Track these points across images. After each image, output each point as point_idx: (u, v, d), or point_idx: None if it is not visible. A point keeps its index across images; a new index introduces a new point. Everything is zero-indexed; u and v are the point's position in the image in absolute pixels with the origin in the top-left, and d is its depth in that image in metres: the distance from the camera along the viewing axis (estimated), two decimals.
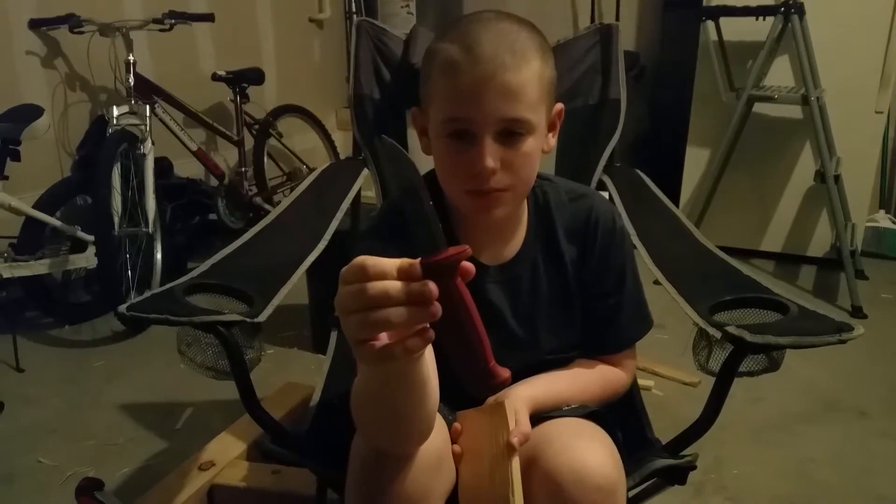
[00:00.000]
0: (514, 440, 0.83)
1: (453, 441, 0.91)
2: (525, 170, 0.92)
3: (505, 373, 0.68)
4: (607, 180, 1.50)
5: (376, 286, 0.58)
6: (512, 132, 0.88)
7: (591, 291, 1.04)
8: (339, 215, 1.39)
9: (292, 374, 2.07)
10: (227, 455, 1.62)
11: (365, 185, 1.56)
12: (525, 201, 1.02)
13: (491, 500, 0.83)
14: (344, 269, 0.61)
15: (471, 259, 0.96)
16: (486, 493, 0.84)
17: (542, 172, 1.04)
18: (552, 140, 0.98)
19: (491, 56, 0.85)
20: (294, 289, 1.16)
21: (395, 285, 0.58)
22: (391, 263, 0.59)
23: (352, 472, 0.86)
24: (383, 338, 0.61)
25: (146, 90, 2.77)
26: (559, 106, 0.97)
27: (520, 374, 0.99)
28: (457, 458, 0.91)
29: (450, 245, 0.61)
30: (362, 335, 0.61)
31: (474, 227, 1.00)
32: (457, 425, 0.93)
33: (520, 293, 1.02)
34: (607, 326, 1.05)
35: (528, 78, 0.87)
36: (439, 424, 0.88)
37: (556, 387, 1.00)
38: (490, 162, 0.87)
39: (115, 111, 2.55)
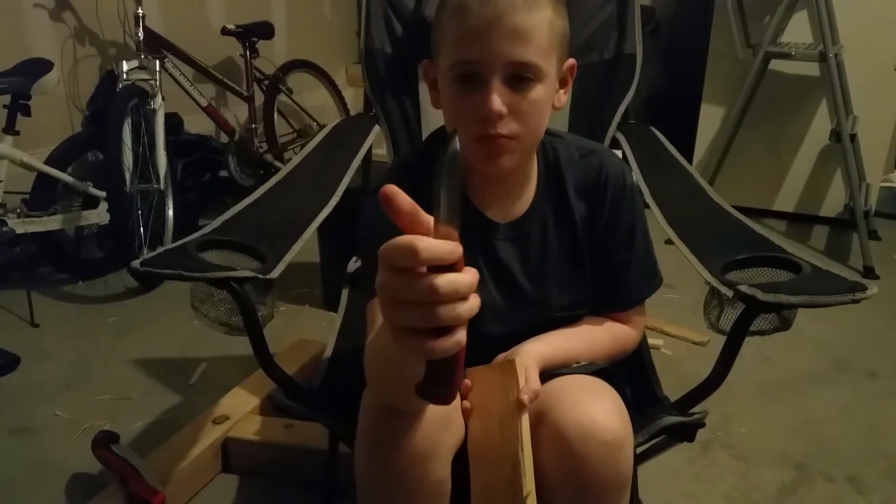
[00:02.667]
0: (524, 397, 0.84)
1: (463, 397, 0.92)
2: (533, 118, 0.90)
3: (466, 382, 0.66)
4: (621, 137, 1.49)
5: (446, 283, 0.51)
6: (521, 77, 0.87)
7: (601, 248, 1.03)
8: (351, 172, 1.39)
9: (304, 331, 2.09)
10: (240, 409, 1.65)
11: (376, 143, 1.55)
12: (535, 158, 1.02)
13: (500, 456, 0.84)
14: (388, 247, 0.53)
15: (481, 216, 0.95)
16: (496, 449, 0.85)
17: (553, 129, 1.04)
18: (563, 96, 0.97)
19: None
20: (305, 246, 1.16)
21: (463, 281, 0.52)
22: (444, 248, 0.51)
23: (361, 427, 0.87)
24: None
25: (156, 44, 2.75)
26: (571, 61, 0.96)
27: (530, 332, 0.99)
28: (466, 413, 0.92)
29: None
30: (422, 325, 0.54)
31: (484, 184, 0.99)
32: (467, 381, 0.93)
33: (529, 250, 1.02)
34: (617, 283, 1.05)
35: (539, 22, 0.86)
36: None
37: (566, 344, 1.00)
38: (497, 104, 0.86)
39: (125, 66, 2.53)
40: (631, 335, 1.08)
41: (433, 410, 0.85)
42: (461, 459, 0.91)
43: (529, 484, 0.80)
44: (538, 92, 0.89)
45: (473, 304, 0.53)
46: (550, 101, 0.93)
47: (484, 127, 0.88)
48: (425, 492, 0.88)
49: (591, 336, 1.04)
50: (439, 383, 0.59)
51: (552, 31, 0.88)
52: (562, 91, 0.96)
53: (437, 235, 0.52)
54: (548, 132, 1.01)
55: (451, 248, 0.52)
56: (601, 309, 1.07)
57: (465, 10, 0.86)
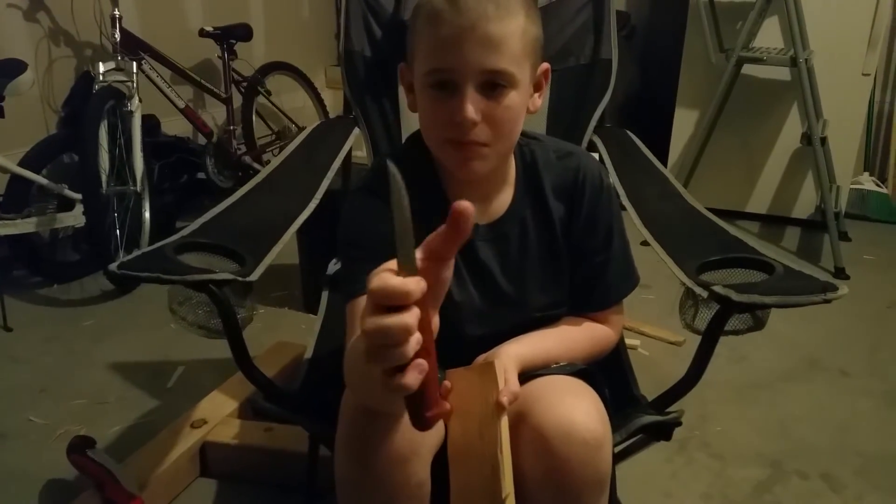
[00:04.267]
0: (504, 399, 0.84)
1: (443, 398, 0.93)
2: (507, 125, 0.91)
3: (445, 406, 0.67)
4: (597, 140, 1.50)
5: (374, 327, 0.57)
6: (494, 84, 0.88)
7: (579, 249, 1.05)
8: (331, 174, 1.39)
9: (283, 334, 2.08)
10: (219, 413, 1.64)
11: (356, 145, 1.55)
12: (512, 160, 1.03)
13: (479, 457, 0.85)
14: (380, 290, 0.56)
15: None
16: (475, 451, 0.86)
17: (530, 131, 1.05)
18: (538, 100, 0.98)
19: (473, 6, 0.86)
20: (284, 248, 1.16)
21: (394, 323, 0.56)
22: (396, 288, 0.56)
23: (341, 428, 0.88)
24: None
25: (133, 46, 2.72)
26: (545, 65, 0.97)
27: (509, 333, 1.00)
28: (446, 415, 0.92)
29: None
30: (396, 364, 0.58)
31: (462, 185, 1.00)
32: (446, 383, 0.94)
33: (509, 251, 1.03)
34: (595, 284, 1.06)
35: (512, 30, 0.87)
36: None
37: (545, 345, 1.01)
38: (470, 112, 0.87)
39: (102, 67, 2.51)
40: (609, 335, 1.09)
41: None
42: (440, 461, 0.91)
43: (508, 486, 0.80)
44: (511, 98, 0.90)
45: (412, 343, 0.57)
46: (524, 106, 0.94)
47: (457, 132, 0.89)
48: (405, 493, 0.88)
49: (570, 336, 1.05)
50: (413, 413, 0.64)
51: (525, 38, 0.89)
52: (536, 95, 0.97)
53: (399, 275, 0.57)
54: (525, 135, 1.02)
55: (403, 288, 0.56)
56: (579, 309, 1.08)
57: (439, 18, 0.87)
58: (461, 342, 0.94)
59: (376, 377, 0.59)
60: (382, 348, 0.57)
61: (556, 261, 1.05)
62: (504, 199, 1.03)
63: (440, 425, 0.92)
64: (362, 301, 0.74)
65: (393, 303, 0.56)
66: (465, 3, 0.86)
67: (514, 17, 0.88)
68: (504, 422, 0.84)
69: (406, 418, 0.84)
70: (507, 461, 0.82)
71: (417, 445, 0.87)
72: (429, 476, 0.91)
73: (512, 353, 0.95)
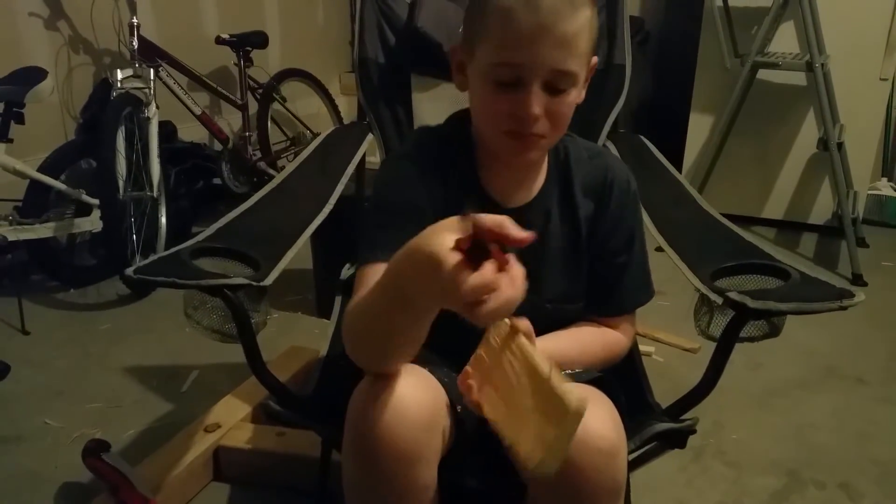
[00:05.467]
0: (511, 322, 0.83)
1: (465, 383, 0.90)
2: (564, 119, 0.95)
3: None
4: (611, 146, 1.50)
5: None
6: (559, 83, 0.91)
7: (601, 248, 1.06)
8: (344, 180, 1.39)
9: (297, 339, 2.09)
10: (232, 417, 1.64)
11: (369, 151, 1.55)
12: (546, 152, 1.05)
13: (517, 395, 0.80)
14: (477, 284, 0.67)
15: (487, 197, 1.02)
16: (510, 398, 0.81)
17: None
18: (583, 92, 1.00)
19: (550, 4, 0.87)
20: (298, 253, 1.17)
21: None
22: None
23: (347, 433, 0.88)
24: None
25: (150, 53, 2.75)
26: (594, 60, 0.99)
27: None
28: (469, 388, 0.89)
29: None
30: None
31: (497, 170, 1.02)
32: (468, 369, 0.92)
33: None
34: (612, 287, 1.06)
35: (582, 26, 0.89)
36: (433, 384, 0.91)
37: (558, 343, 1.01)
38: (536, 109, 0.90)
39: (119, 74, 2.53)
40: (622, 341, 1.09)
41: (417, 413, 0.85)
42: (447, 465, 0.91)
43: (545, 368, 0.77)
44: (572, 96, 0.93)
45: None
46: (578, 100, 0.97)
47: (519, 125, 0.92)
48: (411, 496, 0.88)
49: (584, 338, 1.05)
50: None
51: (591, 31, 0.92)
52: (584, 84, 0.99)
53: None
54: None
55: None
56: (594, 312, 1.08)
57: (512, 14, 0.87)
58: (472, 327, 0.94)
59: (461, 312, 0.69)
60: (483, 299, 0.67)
61: (576, 255, 1.06)
62: (533, 188, 1.05)
63: (445, 427, 0.91)
64: (377, 269, 0.87)
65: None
66: (542, 1, 0.87)
67: (584, 12, 0.90)
68: (522, 340, 0.81)
69: (413, 417, 0.84)
70: (536, 355, 0.79)
71: (422, 447, 0.87)
72: (435, 480, 0.91)
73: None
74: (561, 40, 0.87)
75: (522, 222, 1.02)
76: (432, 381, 0.91)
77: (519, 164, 1.00)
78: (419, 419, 0.85)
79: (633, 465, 1.15)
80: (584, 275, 1.07)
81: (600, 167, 1.06)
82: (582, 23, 0.89)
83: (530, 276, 1.04)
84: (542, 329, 0.94)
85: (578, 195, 1.05)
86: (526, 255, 1.04)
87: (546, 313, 1.04)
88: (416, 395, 0.86)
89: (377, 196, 1.02)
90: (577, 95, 0.95)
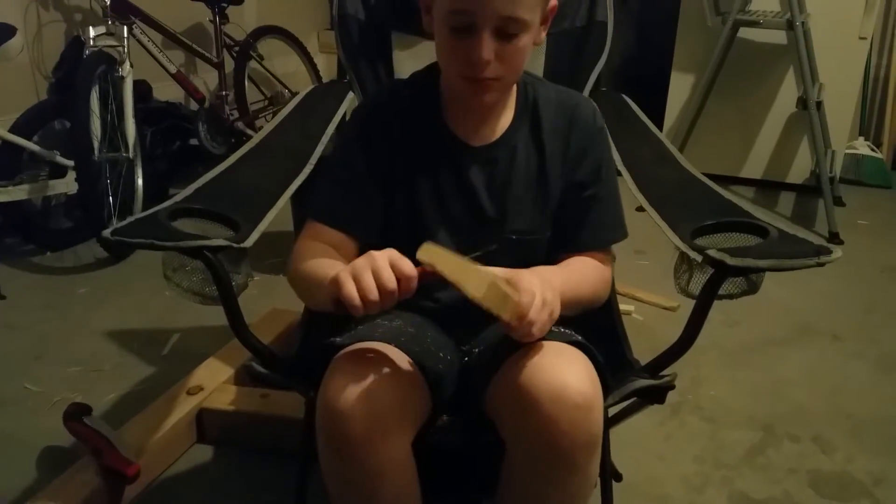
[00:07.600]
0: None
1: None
2: (517, 62, 0.99)
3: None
4: None
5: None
6: (509, 28, 0.94)
7: (571, 183, 1.08)
8: (325, 139, 1.37)
9: (278, 301, 2.08)
10: (215, 379, 1.64)
11: (350, 109, 1.54)
12: (514, 91, 1.08)
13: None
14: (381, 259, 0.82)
15: (454, 138, 1.06)
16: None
17: (534, 74, 1.14)
18: (543, 34, 1.03)
19: None
20: (279, 215, 1.15)
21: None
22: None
23: (318, 420, 0.91)
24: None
25: (123, 10, 2.68)
26: (553, 2, 1.01)
27: (491, 256, 0.95)
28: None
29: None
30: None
31: (463, 110, 1.07)
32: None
33: (496, 173, 1.07)
34: (583, 221, 1.08)
35: None
36: (402, 360, 0.93)
37: (549, 273, 1.00)
38: (486, 54, 0.93)
39: (92, 32, 2.47)
40: (606, 273, 1.11)
41: (384, 395, 0.87)
42: (430, 430, 0.92)
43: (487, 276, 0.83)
44: (523, 40, 0.96)
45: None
46: (532, 43, 0.99)
47: (473, 70, 0.96)
48: (388, 478, 0.90)
49: (578, 268, 1.06)
50: None
51: None
52: (542, 27, 1.01)
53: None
54: (531, 74, 1.11)
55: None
56: (568, 248, 1.09)
57: None
58: (477, 312, 0.93)
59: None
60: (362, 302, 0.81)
61: (541, 190, 1.08)
62: (500, 125, 1.08)
63: (417, 405, 0.94)
64: (323, 231, 1.05)
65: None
66: None
67: None
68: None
69: (381, 395, 0.87)
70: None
71: (391, 427, 0.89)
72: (410, 458, 0.93)
73: (546, 274, 0.95)
74: None
75: (489, 159, 1.09)
76: (402, 358, 0.93)
77: (477, 105, 1.04)
78: (387, 401, 0.88)
79: (612, 421, 1.17)
80: (551, 209, 1.09)
81: (568, 104, 1.10)
82: None
83: (496, 209, 1.06)
84: (507, 261, 0.94)
85: (546, 131, 1.08)
86: (493, 189, 1.07)
87: (510, 244, 1.07)
88: (381, 380, 0.88)
89: (338, 150, 1.11)
90: (530, 39, 0.98)
